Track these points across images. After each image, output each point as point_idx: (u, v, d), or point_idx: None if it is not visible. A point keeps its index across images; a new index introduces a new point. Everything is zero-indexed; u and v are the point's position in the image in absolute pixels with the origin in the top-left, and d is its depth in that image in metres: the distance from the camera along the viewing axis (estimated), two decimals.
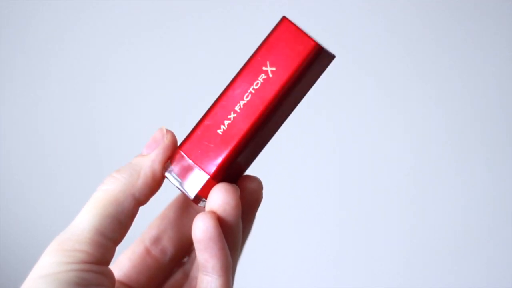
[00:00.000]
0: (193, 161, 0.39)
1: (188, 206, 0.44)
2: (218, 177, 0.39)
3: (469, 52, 0.94)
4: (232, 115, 0.38)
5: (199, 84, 0.95)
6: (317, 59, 0.37)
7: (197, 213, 0.44)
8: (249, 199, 0.40)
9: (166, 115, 0.97)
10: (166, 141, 0.40)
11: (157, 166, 0.39)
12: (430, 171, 0.96)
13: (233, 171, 0.39)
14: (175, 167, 0.39)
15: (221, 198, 0.38)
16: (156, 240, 0.44)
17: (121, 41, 0.96)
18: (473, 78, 0.94)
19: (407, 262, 0.97)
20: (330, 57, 0.38)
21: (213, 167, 0.38)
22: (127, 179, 0.38)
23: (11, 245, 0.98)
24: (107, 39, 0.96)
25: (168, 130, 0.40)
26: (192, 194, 0.39)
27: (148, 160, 0.39)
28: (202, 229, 0.37)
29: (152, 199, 0.40)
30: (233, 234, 0.39)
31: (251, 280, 0.95)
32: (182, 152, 0.39)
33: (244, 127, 0.38)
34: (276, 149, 0.92)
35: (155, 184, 0.39)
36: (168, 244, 0.44)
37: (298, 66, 0.37)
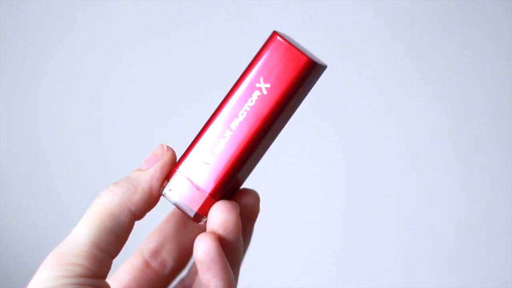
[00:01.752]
0: (191, 180, 0.39)
1: (186, 219, 0.44)
2: (217, 195, 0.39)
3: (471, 52, 0.94)
4: (228, 133, 0.39)
5: (197, 85, 0.95)
6: (310, 73, 0.38)
7: (195, 226, 0.44)
8: (246, 212, 0.41)
9: (164, 116, 0.96)
10: (165, 158, 0.40)
11: (155, 182, 0.39)
12: (432, 172, 0.96)
13: (231, 187, 0.40)
14: (173, 186, 0.40)
15: (221, 217, 0.38)
16: (155, 253, 0.44)
17: (120, 41, 0.95)
18: (477, 77, 0.94)
19: (410, 262, 0.97)
20: (322, 68, 0.39)
21: (211, 185, 0.39)
22: (124, 193, 0.38)
23: (11, 247, 0.98)
24: (105, 40, 0.95)
25: (168, 147, 0.41)
26: (191, 213, 0.40)
27: (146, 176, 0.39)
28: (203, 250, 0.37)
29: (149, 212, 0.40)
30: (234, 251, 0.39)
31: (254, 280, 0.95)
32: (179, 171, 0.39)
33: (240, 145, 0.39)
34: (280, 149, 0.91)
35: (152, 200, 0.39)
36: (167, 257, 0.44)
37: (292, 82, 0.38)
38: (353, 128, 0.95)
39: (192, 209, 0.39)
